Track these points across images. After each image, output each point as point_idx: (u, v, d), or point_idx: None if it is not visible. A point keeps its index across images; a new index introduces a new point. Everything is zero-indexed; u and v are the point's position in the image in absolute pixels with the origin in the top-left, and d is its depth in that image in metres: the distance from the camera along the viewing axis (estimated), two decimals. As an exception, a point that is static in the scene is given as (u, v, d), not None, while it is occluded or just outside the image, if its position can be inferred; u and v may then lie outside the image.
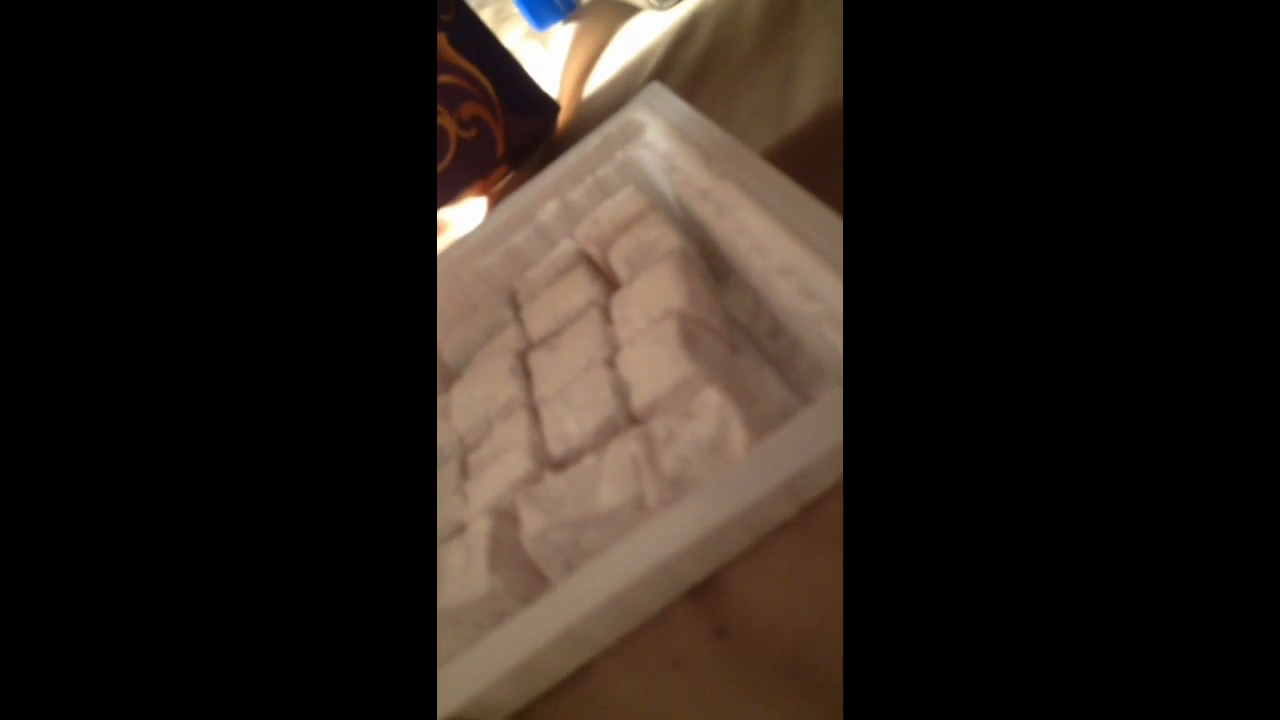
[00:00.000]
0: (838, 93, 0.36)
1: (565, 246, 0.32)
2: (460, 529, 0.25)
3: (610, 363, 0.26)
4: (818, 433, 0.19)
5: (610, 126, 0.34)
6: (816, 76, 0.38)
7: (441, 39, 0.39)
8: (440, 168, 0.41)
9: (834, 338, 0.21)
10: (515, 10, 0.60)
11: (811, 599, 0.20)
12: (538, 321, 0.30)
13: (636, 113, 0.34)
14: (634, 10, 0.56)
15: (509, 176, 0.45)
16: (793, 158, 0.34)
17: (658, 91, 0.34)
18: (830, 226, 0.23)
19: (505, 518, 0.24)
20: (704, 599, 0.22)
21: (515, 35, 0.64)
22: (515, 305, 0.33)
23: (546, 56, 0.60)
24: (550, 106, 0.46)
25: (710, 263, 0.30)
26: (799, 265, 0.23)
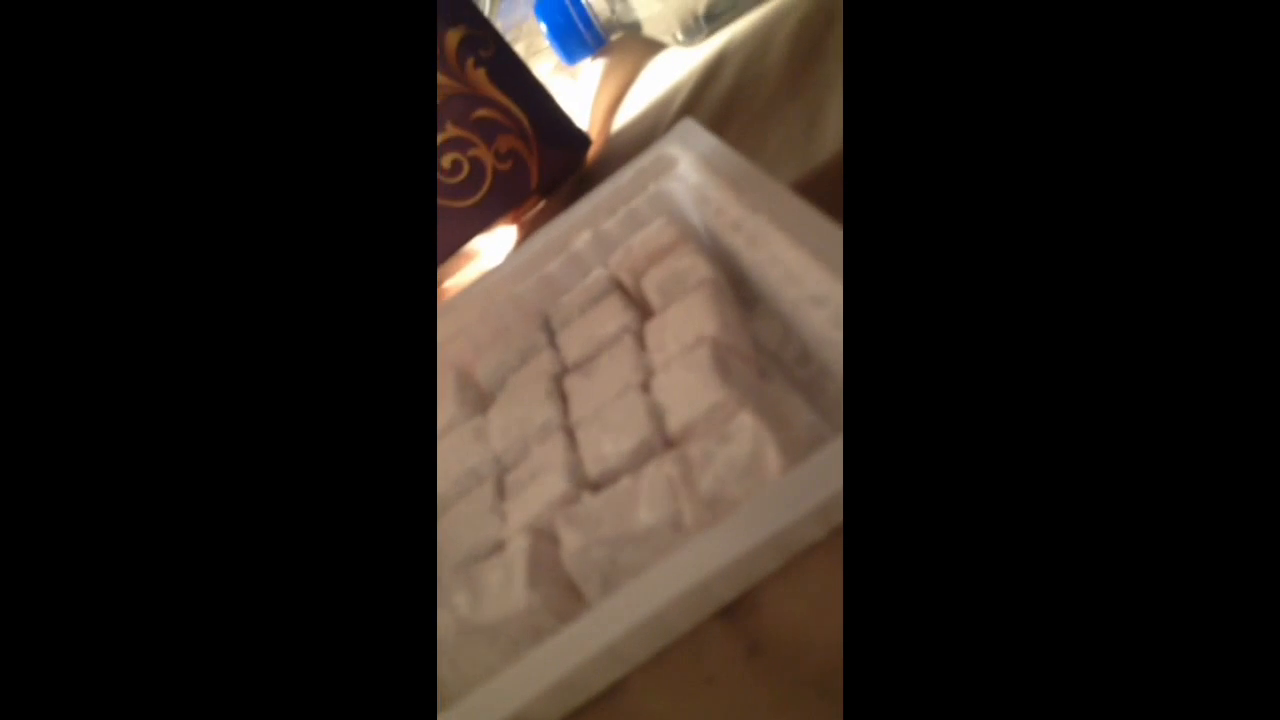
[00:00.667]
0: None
1: (598, 274, 0.33)
2: (498, 547, 0.26)
3: (645, 387, 0.27)
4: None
5: (643, 160, 0.35)
6: (842, 114, 0.39)
7: (481, 74, 0.41)
8: (477, 199, 0.42)
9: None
10: (545, 44, 0.62)
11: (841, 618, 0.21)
12: (572, 347, 0.31)
13: (668, 147, 0.35)
14: (661, 47, 0.57)
15: (540, 205, 0.46)
16: (819, 193, 0.35)
17: (689, 127, 0.35)
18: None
19: (543, 536, 0.25)
20: (736, 617, 0.23)
21: (545, 69, 0.66)
22: (549, 330, 0.34)
23: (576, 90, 0.61)
24: (581, 139, 0.47)
25: (738, 291, 0.31)
26: (832, 295, 0.23)
